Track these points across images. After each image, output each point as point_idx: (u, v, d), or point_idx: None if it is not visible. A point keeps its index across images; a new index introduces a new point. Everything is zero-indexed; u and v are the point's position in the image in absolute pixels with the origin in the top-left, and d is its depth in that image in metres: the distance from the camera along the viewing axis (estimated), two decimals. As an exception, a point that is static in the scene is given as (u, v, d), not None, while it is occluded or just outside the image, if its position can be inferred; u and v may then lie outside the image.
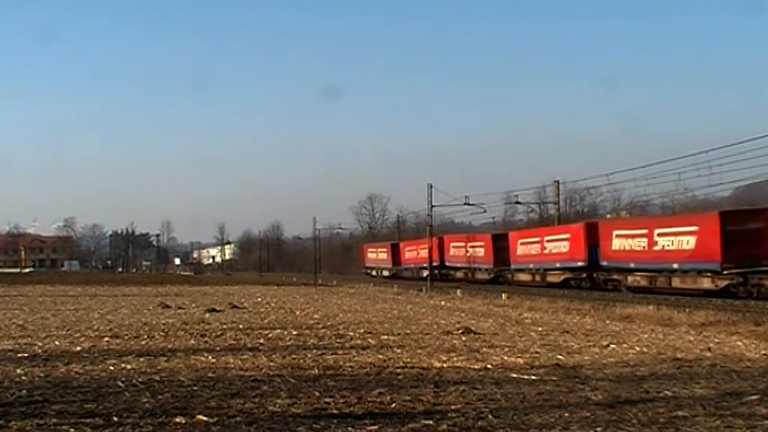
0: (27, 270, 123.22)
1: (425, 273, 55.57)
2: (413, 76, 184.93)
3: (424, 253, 57.50)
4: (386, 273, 70.21)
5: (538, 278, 45.17)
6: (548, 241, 45.47)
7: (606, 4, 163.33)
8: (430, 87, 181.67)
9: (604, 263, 39.53)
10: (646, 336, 14.66)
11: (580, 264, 40.95)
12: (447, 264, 57.77)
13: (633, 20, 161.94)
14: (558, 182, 53.92)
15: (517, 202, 60.25)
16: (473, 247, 54.09)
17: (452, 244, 58.05)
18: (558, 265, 42.99)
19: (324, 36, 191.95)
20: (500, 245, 50.13)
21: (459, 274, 55.66)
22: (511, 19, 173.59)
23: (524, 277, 46.90)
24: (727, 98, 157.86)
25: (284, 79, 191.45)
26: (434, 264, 55.20)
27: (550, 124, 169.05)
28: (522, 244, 47.84)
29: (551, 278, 43.37)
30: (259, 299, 30.86)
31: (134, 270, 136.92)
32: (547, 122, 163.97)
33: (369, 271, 76.38)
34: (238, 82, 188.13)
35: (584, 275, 40.80)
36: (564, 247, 43.29)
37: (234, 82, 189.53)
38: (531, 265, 45.97)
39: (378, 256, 75.35)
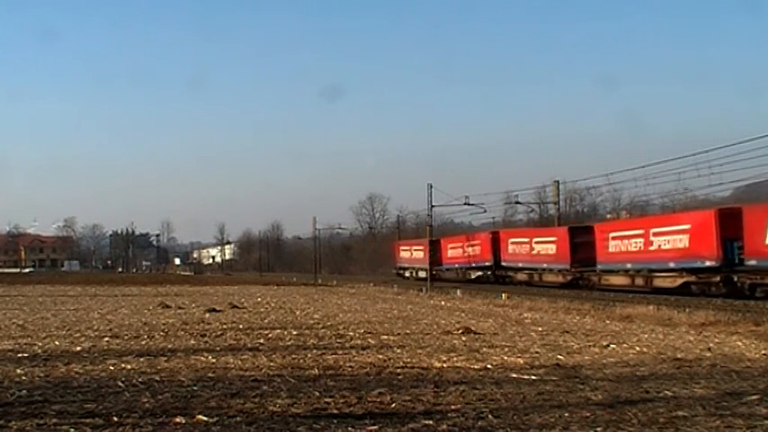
0: (27, 270, 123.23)
1: (476, 274, 52.72)
2: (413, 76, 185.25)
3: (474, 251, 53.43)
4: (422, 273, 60.73)
5: (640, 281, 35.97)
6: (656, 234, 35.24)
7: (606, 4, 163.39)
8: (430, 87, 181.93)
9: (752, 262, 28.91)
10: (646, 336, 14.66)
11: (709, 264, 31.23)
12: (504, 264, 49.45)
13: (633, 20, 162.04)
14: (557, 182, 53.95)
15: (517, 202, 60.35)
16: (541, 243, 45.38)
17: (512, 240, 49.49)
18: (671, 265, 33.69)
19: (324, 36, 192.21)
20: (581, 240, 41.15)
21: (522, 276, 47.13)
22: (511, 19, 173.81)
23: (619, 280, 37.41)
24: (728, 98, 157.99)
25: (284, 79, 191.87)
26: (486, 263, 51.11)
27: (550, 124, 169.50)
28: (615, 238, 38.26)
29: (662, 282, 34.29)
30: (259, 299, 30.86)
31: (134, 270, 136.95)
32: (547, 122, 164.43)
33: (401, 272, 68.00)
34: (238, 82, 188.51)
35: (717, 279, 31.01)
36: (682, 241, 33.12)
37: (234, 82, 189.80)
38: (629, 265, 36.97)
39: (412, 254, 66.85)
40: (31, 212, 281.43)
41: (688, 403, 7.57)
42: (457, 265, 57.31)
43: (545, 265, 44.32)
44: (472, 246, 54.44)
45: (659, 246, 34.75)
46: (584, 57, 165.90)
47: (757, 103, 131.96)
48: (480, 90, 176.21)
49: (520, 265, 47.30)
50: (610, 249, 38.40)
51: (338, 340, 13.89)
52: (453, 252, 58.70)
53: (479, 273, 52.69)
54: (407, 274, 65.48)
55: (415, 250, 65.73)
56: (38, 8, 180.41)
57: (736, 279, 30.17)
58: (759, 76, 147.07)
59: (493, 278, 50.17)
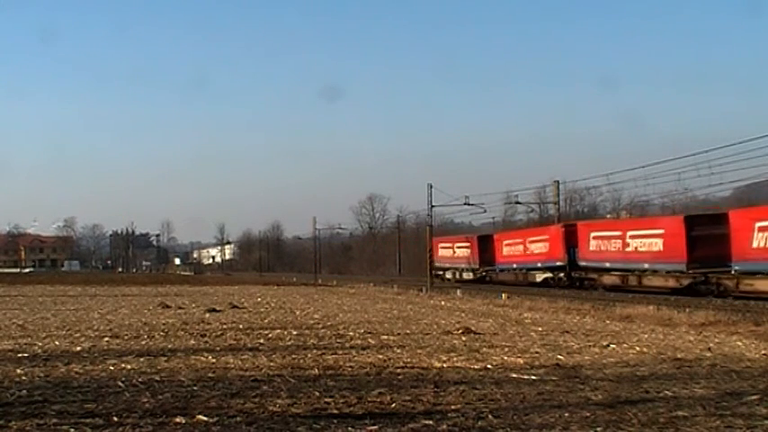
0: (27, 270, 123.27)
1: (543, 276, 44.07)
2: (413, 76, 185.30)
3: (539, 248, 45.24)
4: (468, 275, 53.21)
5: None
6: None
7: (606, 4, 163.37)
8: (430, 87, 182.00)
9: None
10: (646, 336, 14.66)
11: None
12: (583, 263, 40.88)
13: (633, 20, 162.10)
14: (557, 182, 53.96)
15: (517, 202, 60.25)
16: (639, 236, 36.99)
17: (594, 234, 40.47)
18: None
19: (324, 36, 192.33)
20: (698, 232, 33.05)
21: (611, 279, 38.32)
22: (511, 19, 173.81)
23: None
24: (728, 98, 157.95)
25: (284, 79, 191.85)
26: (557, 263, 42.76)
27: (550, 124, 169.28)
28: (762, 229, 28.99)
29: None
30: (259, 299, 30.86)
31: (134, 270, 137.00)
32: (547, 122, 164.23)
33: (440, 273, 57.50)
34: (238, 82, 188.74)
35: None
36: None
37: (234, 82, 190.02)
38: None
39: (455, 252, 57.83)
40: (31, 212, 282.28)
41: (688, 403, 7.57)
42: (515, 266, 48.47)
43: (646, 266, 36.33)
44: (536, 241, 46.07)
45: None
46: (584, 57, 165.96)
47: (757, 104, 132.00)
48: (480, 90, 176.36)
49: (607, 264, 38.84)
50: (754, 244, 29.48)
51: (338, 340, 13.89)
52: (510, 249, 49.65)
53: (547, 275, 43.98)
54: (448, 275, 56.34)
55: (459, 247, 56.87)
56: (38, 8, 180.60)
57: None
58: (759, 77, 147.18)
59: (567, 281, 41.85)
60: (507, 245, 50.46)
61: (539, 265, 44.89)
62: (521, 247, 48.00)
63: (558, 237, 42.74)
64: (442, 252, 59.76)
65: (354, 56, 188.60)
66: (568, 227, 43.29)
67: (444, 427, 6.52)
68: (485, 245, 52.20)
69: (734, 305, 25.11)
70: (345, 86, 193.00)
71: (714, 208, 45.09)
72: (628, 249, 37.20)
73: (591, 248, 40.03)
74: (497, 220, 72.16)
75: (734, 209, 34.53)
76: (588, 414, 7.00)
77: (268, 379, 9.14)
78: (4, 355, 11.75)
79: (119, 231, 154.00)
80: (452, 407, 7.36)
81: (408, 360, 10.91)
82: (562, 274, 42.34)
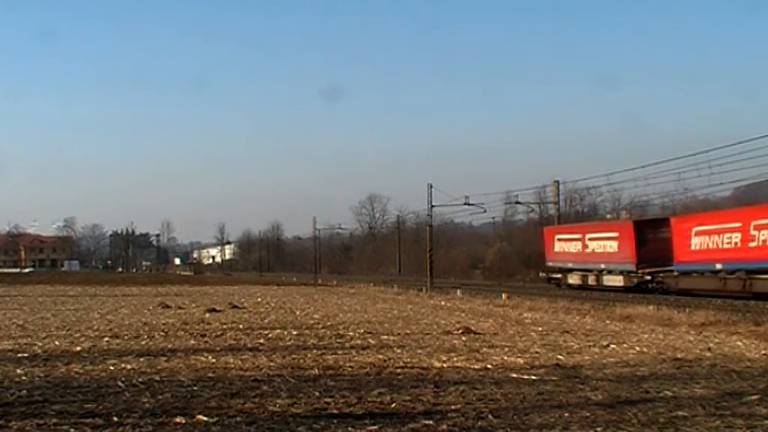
0: (27, 270, 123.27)
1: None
2: (413, 76, 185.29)
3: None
4: (615, 280, 38.10)
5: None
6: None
7: (606, 4, 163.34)
8: (430, 87, 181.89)
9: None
10: (646, 336, 14.66)
11: None
12: None
13: (633, 19, 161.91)
14: (557, 182, 53.95)
15: (517, 202, 60.26)
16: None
17: None
18: None
19: (324, 36, 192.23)
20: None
21: None
22: (511, 18, 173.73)
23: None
24: (727, 98, 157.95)
25: (284, 79, 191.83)
26: None
27: (550, 124, 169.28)
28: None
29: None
30: (259, 299, 30.86)
31: (134, 270, 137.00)
32: (547, 122, 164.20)
33: (557, 276, 44.01)
34: (238, 82, 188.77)
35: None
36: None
37: (234, 82, 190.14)
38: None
39: (586, 246, 41.33)
40: (31, 212, 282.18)
41: (688, 403, 7.57)
42: (719, 266, 30.74)
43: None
44: (718, 229, 31.16)
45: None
46: (584, 57, 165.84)
47: (757, 103, 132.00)
48: (480, 90, 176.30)
49: None
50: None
51: (338, 340, 13.89)
52: (706, 241, 32.02)
53: None
54: (573, 279, 41.67)
55: (597, 238, 40.79)
56: (38, 8, 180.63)
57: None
58: (759, 76, 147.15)
59: None
60: (700, 232, 32.43)
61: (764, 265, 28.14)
62: (734, 237, 30.09)
63: None
64: (561, 246, 44.01)
65: (354, 56, 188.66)
66: None
67: (444, 427, 6.52)
68: (648, 233, 37.27)
69: (734, 305, 25.11)
70: (345, 86, 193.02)
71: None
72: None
73: None
74: (497, 220, 72.10)
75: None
76: (588, 414, 7.01)
77: (268, 379, 9.14)
78: (4, 355, 11.75)
79: (119, 231, 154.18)
80: (452, 407, 7.36)
81: (408, 360, 10.91)
82: None
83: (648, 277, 36.22)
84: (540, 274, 48.07)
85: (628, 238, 38.14)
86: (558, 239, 45.56)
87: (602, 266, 40.20)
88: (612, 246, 39.59)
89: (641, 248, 36.99)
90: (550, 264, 45.73)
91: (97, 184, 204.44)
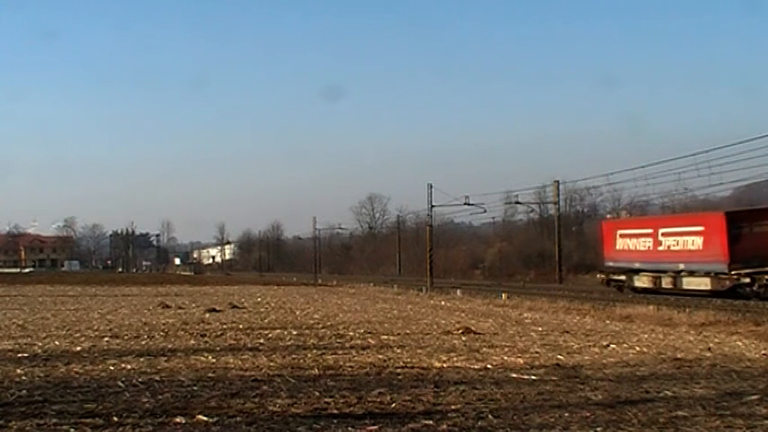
0: (27, 270, 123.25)
1: None
2: (413, 76, 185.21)
3: None
4: (700, 282, 32.37)
5: None
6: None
7: (606, 4, 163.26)
8: (430, 87, 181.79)
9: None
10: (646, 336, 14.66)
11: None
12: None
13: (633, 20, 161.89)
14: (557, 182, 54.08)
15: (517, 202, 60.36)
16: None
17: None
18: None
19: (324, 36, 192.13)
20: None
21: None
22: (511, 19, 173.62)
23: None
24: (727, 98, 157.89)
25: (284, 79, 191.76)
26: None
27: (550, 124, 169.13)
28: None
29: None
30: (259, 299, 30.87)
31: (134, 270, 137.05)
32: (547, 122, 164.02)
33: (620, 278, 37.48)
34: (238, 82, 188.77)
35: None
36: None
37: (234, 82, 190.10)
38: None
39: (660, 243, 35.22)
40: (31, 212, 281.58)
41: (688, 403, 7.57)
42: None
43: None
44: None
45: None
46: (584, 57, 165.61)
47: (757, 103, 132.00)
48: (480, 90, 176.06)
49: None
50: None
51: (338, 340, 13.89)
52: None
53: None
54: (640, 282, 35.73)
55: (674, 234, 34.74)
56: (38, 8, 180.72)
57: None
58: (759, 76, 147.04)
59: None
60: None
61: None
62: None
63: None
64: (625, 243, 37.98)
65: (354, 56, 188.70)
66: None
67: (444, 427, 6.52)
68: (743, 226, 32.10)
69: (734, 305, 25.10)
70: (345, 86, 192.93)
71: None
72: None
73: None
74: (497, 220, 72.11)
75: None
76: (588, 414, 7.00)
77: (268, 379, 9.14)
78: (4, 355, 11.75)
79: (119, 231, 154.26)
80: (452, 407, 7.36)
81: (408, 360, 10.91)
82: None
83: (747, 279, 29.33)
84: (598, 276, 40.51)
85: (717, 232, 31.63)
86: (621, 235, 37.79)
87: (681, 267, 33.18)
88: (696, 242, 33.17)
89: (735, 245, 30.76)
90: (610, 264, 37.94)
91: (97, 184, 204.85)
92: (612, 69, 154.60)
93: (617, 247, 36.46)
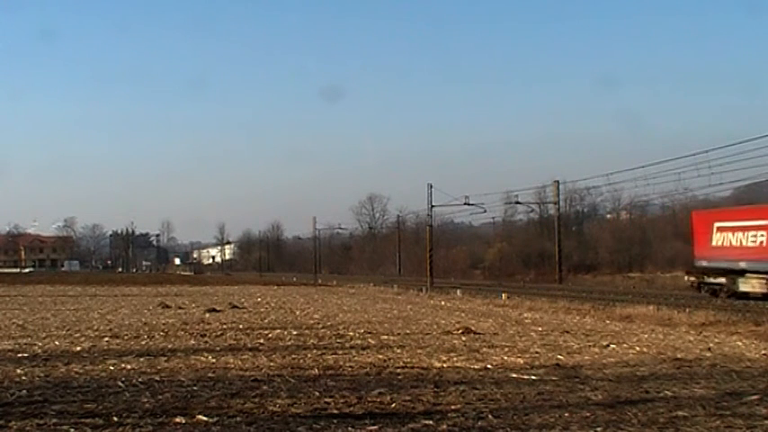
0: (27, 270, 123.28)
1: None
2: (413, 76, 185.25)
3: None
4: None
5: None
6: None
7: (606, 4, 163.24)
8: (430, 87, 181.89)
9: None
10: (646, 336, 14.66)
11: None
12: None
13: (633, 20, 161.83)
14: (557, 182, 54.08)
15: (517, 202, 60.38)
16: None
17: None
18: None
19: (324, 36, 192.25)
20: None
21: None
22: (511, 19, 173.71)
23: None
24: (728, 98, 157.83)
25: (284, 79, 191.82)
26: None
27: (550, 124, 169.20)
28: None
29: None
30: (259, 299, 30.86)
31: (134, 270, 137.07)
32: (547, 122, 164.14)
33: (717, 280, 31.40)
34: (238, 82, 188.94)
35: None
36: None
37: (234, 82, 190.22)
38: None
39: None
40: (31, 212, 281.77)
41: (688, 403, 7.57)
42: None
43: None
44: None
45: None
46: (584, 57, 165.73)
47: (757, 103, 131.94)
48: (480, 90, 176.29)
49: None
50: None
51: (338, 340, 13.89)
52: None
53: None
54: (748, 285, 29.35)
55: None
56: (38, 8, 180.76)
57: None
58: (759, 76, 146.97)
59: None
60: None
61: None
62: None
63: None
64: (725, 238, 31.75)
65: (354, 56, 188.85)
66: None
67: (444, 427, 6.52)
68: None
69: (734, 305, 25.10)
70: (345, 86, 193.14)
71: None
72: None
73: None
74: (497, 220, 72.12)
75: None
76: (588, 414, 7.00)
77: (268, 379, 9.14)
78: (4, 355, 11.75)
79: (119, 231, 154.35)
80: (452, 407, 7.36)
81: (408, 360, 10.90)
82: None
83: None
84: (686, 279, 34.10)
85: None
86: (720, 228, 31.20)
87: None
88: None
89: None
90: (704, 263, 31.81)
91: (97, 184, 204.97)
92: (612, 69, 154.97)
93: (713, 243, 30.67)
